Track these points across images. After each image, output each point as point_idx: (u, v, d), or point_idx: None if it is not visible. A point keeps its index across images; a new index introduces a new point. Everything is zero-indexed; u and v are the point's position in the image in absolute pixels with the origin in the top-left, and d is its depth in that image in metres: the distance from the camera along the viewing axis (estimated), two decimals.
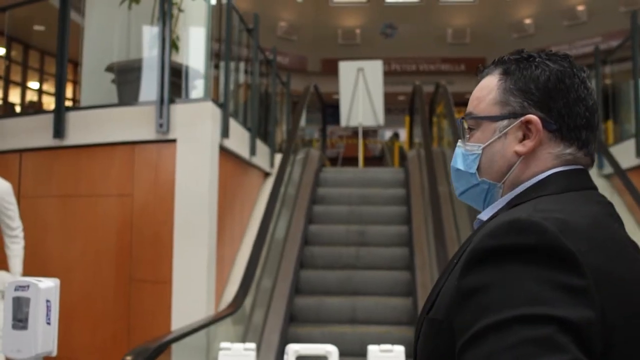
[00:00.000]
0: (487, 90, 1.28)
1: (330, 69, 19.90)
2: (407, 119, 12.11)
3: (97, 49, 6.91)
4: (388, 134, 20.68)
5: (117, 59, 6.69)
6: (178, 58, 6.41)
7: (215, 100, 5.78)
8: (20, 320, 2.25)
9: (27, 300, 2.31)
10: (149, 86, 5.97)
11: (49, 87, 17.29)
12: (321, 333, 5.67)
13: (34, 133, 6.11)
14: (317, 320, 5.94)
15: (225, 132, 5.86)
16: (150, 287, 5.45)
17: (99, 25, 6.95)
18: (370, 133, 20.29)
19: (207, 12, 6.11)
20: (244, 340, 5.45)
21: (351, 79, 10.98)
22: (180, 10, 6.90)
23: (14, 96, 15.79)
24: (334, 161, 12.32)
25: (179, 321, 5.29)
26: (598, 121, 1.25)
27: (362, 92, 10.82)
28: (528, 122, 1.21)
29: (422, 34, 20.45)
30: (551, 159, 1.21)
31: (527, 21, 20.31)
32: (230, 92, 6.40)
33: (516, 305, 0.95)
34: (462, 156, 1.31)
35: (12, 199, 4.84)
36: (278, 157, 8.72)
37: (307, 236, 7.07)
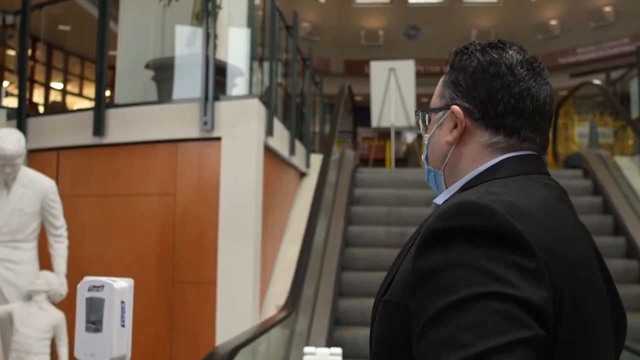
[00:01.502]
0: (438, 85, 1.34)
1: (353, 70, 19.78)
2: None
3: (132, 48, 6.80)
4: (410, 135, 20.47)
5: (153, 57, 6.58)
6: (217, 55, 6.30)
7: (261, 98, 5.64)
8: (93, 322, 2.12)
9: (102, 301, 2.17)
10: (190, 83, 5.86)
11: (72, 87, 17.26)
12: (368, 335, 5.50)
13: (73, 131, 6.00)
14: (363, 322, 5.78)
15: (269, 131, 5.73)
16: (193, 288, 5.32)
17: (134, 24, 6.83)
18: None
19: (251, 10, 5.98)
20: (290, 343, 5.30)
21: (382, 79, 10.83)
22: (218, 7, 6.80)
23: (38, 96, 15.76)
24: (363, 162, 12.17)
25: (224, 323, 5.16)
26: (537, 104, 1.23)
27: (393, 92, 10.67)
28: (453, 113, 1.25)
29: (446, 35, 20.22)
30: (480, 147, 1.24)
31: (553, 22, 20.09)
32: (274, 89, 6.26)
33: (473, 284, 0.96)
34: (423, 148, 1.39)
35: (57, 197, 4.73)
36: (312, 157, 8.60)
37: (347, 238, 6.92)
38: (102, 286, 2.18)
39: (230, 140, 5.33)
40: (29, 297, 4.59)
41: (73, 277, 4.80)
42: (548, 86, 1.27)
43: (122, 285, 2.30)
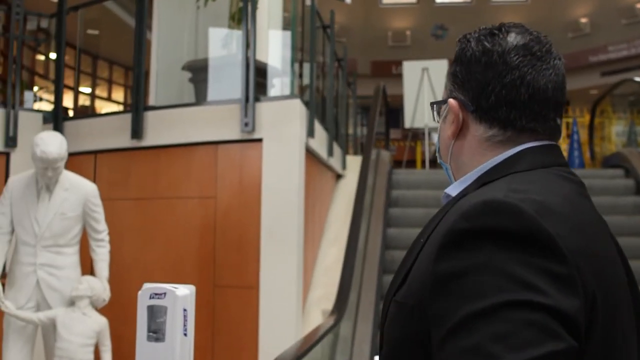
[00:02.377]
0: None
1: (380, 71, 19.65)
2: None
3: (167, 50, 6.73)
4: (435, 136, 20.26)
5: (188, 59, 6.51)
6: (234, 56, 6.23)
7: (302, 98, 5.54)
8: (155, 331, 2.02)
9: (164, 309, 2.07)
10: (228, 84, 5.78)
11: (100, 91, 17.29)
12: None
13: (110, 134, 5.94)
14: None
15: (310, 132, 5.62)
16: (235, 292, 5.22)
17: (169, 26, 6.76)
18: (420, 136, 19.93)
19: (293, 10, 5.89)
20: (335, 349, 5.19)
21: (415, 79, 10.69)
22: (254, 7, 6.71)
23: (67, 100, 15.77)
24: (395, 164, 12.04)
25: (267, 328, 5.06)
26: (532, 92, 1.15)
27: (427, 92, 10.52)
28: (449, 106, 1.22)
29: None
30: (478, 141, 1.20)
31: (583, 20, 19.82)
32: (314, 89, 6.16)
33: (501, 291, 0.90)
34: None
35: (99, 201, 4.67)
36: (348, 159, 8.49)
37: (386, 240, 6.79)
38: (164, 293, 2.07)
39: (271, 141, 5.23)
40: (71, 302, 4.52)
41: (111, 282, 4.73)
42: (552, 70, 1.18)
43: (184, 292, 2.19)
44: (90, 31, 14.45)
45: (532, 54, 1.17)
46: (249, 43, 5.41)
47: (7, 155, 6.35)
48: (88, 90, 17.13)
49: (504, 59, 1.16)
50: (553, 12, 20.06)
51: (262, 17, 6.33)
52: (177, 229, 5.56)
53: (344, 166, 8.15)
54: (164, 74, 6.58)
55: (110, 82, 17.24)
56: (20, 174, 4.75)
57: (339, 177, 8.01)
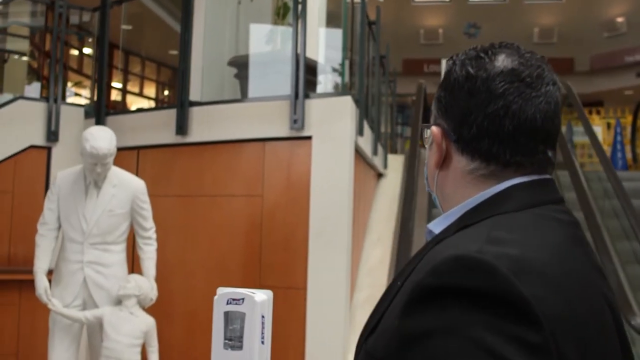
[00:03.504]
0: None
1: (412, 70, 19.44)
2: None
3: (209, 46, 6.62)
4: None
5: (231, 54, 6.41)
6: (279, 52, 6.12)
7: (352, 96, 5.40)
8: (231, 338, 1.90)
9: (242, 315, 1.94)
10: (276, 80, 5.66)
11: (132, 86, 17.26)
12: None
13: (153, 130, 5.85)
14: None
15: (360, 130, 5.49)
16: (282, 293, 5.10)
17: (211, 21, 6.65)
18: None
19: (344, 6, 5.76)
20: None
21: None
22: (299, 2, 6.61)
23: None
24: None
25: (314, 330, 4.94)
26: (518, 124, 1.05)
27: None
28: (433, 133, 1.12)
29: (507, 33, 19.75)
30: (461, 174, 1.10)
31: (619, 19, 19.44)
32: (364, 86, 6.02)
33: (465, 358, 0.83)
34: None
35: (147, 198, 4.57)
36: (389, 158, 8.35)
37: None
38: (242, 299, 1.94)
39: (321, 139, 5.09)
40: (118, 301, 4.43)
41: (156, 280, 4.63)
42: (543, 98, 1.06)
43: (262, 297, 2.06)
44: (123, 26, 14.44)
45: (520, 80, 1.06)
46: (299, 39, 5.27)
47: (49, 149, 6.30)
48: (119, 85, 17.14)
49: (487, 86, 1.06)
50: (588, 11, 19.71)
51: (310, 14, 6.22)
52: (221, 227, 5.46)
53: (385, 165, 8.00)
54: (204, 70, 6.47)
55: (142, 78, 17.20)
56: (67, 169, 4.66)
57: (379, 176, 7.86)
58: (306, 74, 5.53)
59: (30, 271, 6.02)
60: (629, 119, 13.10)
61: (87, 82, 11.91)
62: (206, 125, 5.58)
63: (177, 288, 5.49)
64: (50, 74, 6.46)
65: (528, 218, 1.02)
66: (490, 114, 1.05)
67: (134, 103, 17.36)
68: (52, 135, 6.24)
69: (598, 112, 15.45)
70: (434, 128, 1.13)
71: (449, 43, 20.07)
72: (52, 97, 6.29)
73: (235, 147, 5.47)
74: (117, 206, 4.44)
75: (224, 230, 5.44)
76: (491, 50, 1.12)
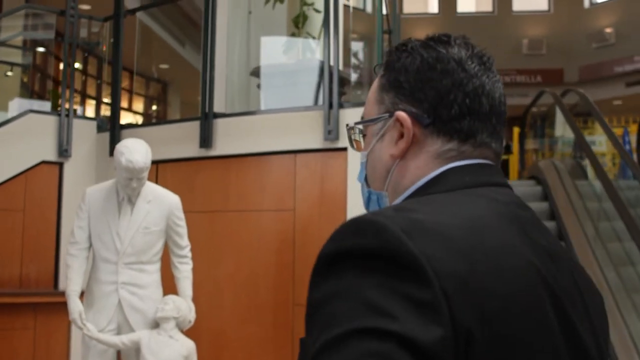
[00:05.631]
0: (371, 91, 1.16)
1: None
2: (515, 130, 11.45)
3: (230, 56, 6.41)
4: None
5: (248, 64, 6.22)
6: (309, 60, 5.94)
7: None
8: None
9: None
10: (305, 91, 5.47)
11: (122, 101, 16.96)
12: None
13: (174, 143, 5.61)
14: None
15: None
16: None
17: (232, 31, 6.44)
18: None
19: (378, 14, 5.61)
20: None
21: None
22: (317, 11, 6.45)
23: (90, 111, 15.45)
24: None
25: None
26: (493, 103, 1.07)
27: None
28: (399, 120, 1.07)
29: (496, 44, 19.67)
30: (431, 158, 1.06)
31: (608, 30, 19.51)
32: None
33: (354, 318, 0.81)
34: (360, 167, 1.21)
35: (182, 215, 4.33)
36: None
37: None
38: None
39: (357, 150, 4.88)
40: (155, 324, 4.17)
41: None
42: (500, 84, 1.09)
43: None
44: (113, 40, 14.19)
45: (483, 64, 1.08)
46: (332, 49, 5.09)
47: (61, 165, 6.03)
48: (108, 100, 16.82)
49: (462, 66, 1.06)
50: (576, 22, 19.78)
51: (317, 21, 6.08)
52: (249, 243, 5.22)
53: None
54: (223, 80, 6.26)
55: (130, 92, 16.91)
56: (97, 184, 4.42)
57: None
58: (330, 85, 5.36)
59: (45, 293, 5.79)
60: (633, 128, 13.05)
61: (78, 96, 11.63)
62: (231, 137, 5.36)
63: (203, 307, 5.22)
64: (62, 86, 6.21)
65: (452, 195, 1.01)
66: (469, 93, 1.05)
67: (122, 118, 17.05)
68: (64, 150, 5.97)
69: (585, 122, 15.40)
70: (402, 113, 1.06)
71: None
72: (64, 110, 6.03)
73: (263, 159, 5.26)
74: (152, 223, 4.19)
75: (252, 246, 5.21)
76: (448, 37, 1.10)
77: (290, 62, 5.92)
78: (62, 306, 5.68)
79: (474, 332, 0.84)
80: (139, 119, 17.24)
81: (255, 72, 5.86)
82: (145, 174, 4.09)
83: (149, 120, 17.55)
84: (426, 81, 1.06)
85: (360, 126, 1.18)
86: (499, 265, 0.91)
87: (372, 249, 0.86)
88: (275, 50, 6.41)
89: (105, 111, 15.79)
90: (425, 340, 0.80)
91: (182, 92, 17.12)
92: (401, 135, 1.08)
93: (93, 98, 15.29)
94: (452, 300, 0.84)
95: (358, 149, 1.21)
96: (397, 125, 1.08)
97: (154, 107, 17.90)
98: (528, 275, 0.94)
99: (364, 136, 1.17)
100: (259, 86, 5.79)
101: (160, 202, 4.24)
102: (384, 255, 0.85)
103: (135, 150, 3.99)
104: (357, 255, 0.86)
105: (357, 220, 0.91)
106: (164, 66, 16.12)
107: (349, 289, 0.84)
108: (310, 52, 6.15)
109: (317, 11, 6.45)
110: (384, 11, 5.84)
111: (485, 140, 1.07)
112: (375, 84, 1.16)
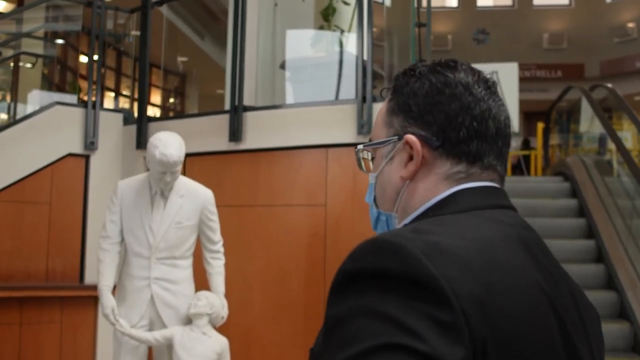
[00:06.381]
0: (379, 114, 1.20)
1: None
2: (539, 125, 11.33)
3: (260, 49, 6.33)
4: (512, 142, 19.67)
5: (276, 57, 6.13)
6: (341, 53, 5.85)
7: None
8: None
9: None
10: (335, 84, 5.38)
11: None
12: None
13: (201, 136, 5.54)
14: None
15: None
16: None
17: (260, 25, 6.36)
18: None
19: (412, 7, 5.50)
20: None
21: None
22: (345, 3, 6.37)
23: (108, 103, 15.43)
24: None
25: None
26: (499, 126, 1.11)
27: None
28: (408, 143, 1.10)
29: (516, 39, 19.56)
30: (439, 180, 1.09)
31: (630, 25, 19.29)
32: None
33: (378, 335, 0.82)
34: (368, 188, 1.24)
35: (215, 209, 4.26)
36: None
37: None
38: None
39: None
40: (187, 321, 4.10)
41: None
42: (505, 107, 1.13)
43: None
44: (134, 32, 14.14)
45: (489, 88, 1.12)
46: (366, 42, 5.00)
47: (87, 157, 5.97)
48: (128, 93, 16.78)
49: (469, 90, 1.09)
50: (597, 16, 19.56)
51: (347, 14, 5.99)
52: (279, 238, 5.15)
53: None
54: (252, 73, 6.18)
55: (149, 86, 16.89)
56: (129, 178, 4.34)
57: None
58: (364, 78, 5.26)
59: (72, 287, 5.74)
60: None
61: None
62: (261, 131, 5.28)
63: (232, 303, 5.16)
64: (88, 78, 6.15)
65: (462, 217, 1.03)
66: (476, 116, 1.08)
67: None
68: (90, 143, 5.91)
69: (610, 118, 15.23)
70: (411, 137, 1.09)
71: (458, 49, 19.85)
72: (90, 102, 5.97)
73: (294, 154, 5.17)
74: (185, 218, 4.13)
75: (282, 241, 5.14)
76: (455, 63, 1.14)
77: (319, 54, 5.83)
78: (88, 300, 5.68)
79: (490, 353, 0.87)
80: (157, 112, 17.22)
81: (284, 65, 5.77)
82: (179, 168, 4.02)
83: (166, 113, 17.51)
84: (435, 105, 1.09)
85: (369, 149, 1.21)
86: (511, 286, 0.94)
87: (392, 270, 0.88)
88: (302, 43, 6.33)
89: (124, 103, 15.82)
90: (451, 359, 0.82)
91: (201, 85, 17.07)
92: (410, 158, 1.11)
93: (111, 90, 15.32)
94: (472, 322, 0.86)
95: (367, 170, 1.23)
96: (407, 148, 1.11)
97: (171, 100, 17.87)
98: (536, 296, 0.97)
99: (372, 159, 1.21)
100: (288, 79, 5.71)
101: (194, 196, 4.17)
102: (404, 277, 0.87)
103: (169, 144, 3.91)
104: (377, 275, 0.88)
105: (377, 241, 0.92)
106: (182, 59, 16.08)
107: (371, 307, 0.86)
108: (339, 45, 6.06)
109: (346, 3, 6.36)
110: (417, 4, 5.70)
111: (492, 163, 1.10)
112: (384, 107, 1.18)
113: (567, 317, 1.02)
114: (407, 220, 1.12)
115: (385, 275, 0.88)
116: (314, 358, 1.04)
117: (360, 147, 1.23)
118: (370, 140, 1.21)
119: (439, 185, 1.09)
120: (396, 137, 1.13)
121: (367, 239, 0.95)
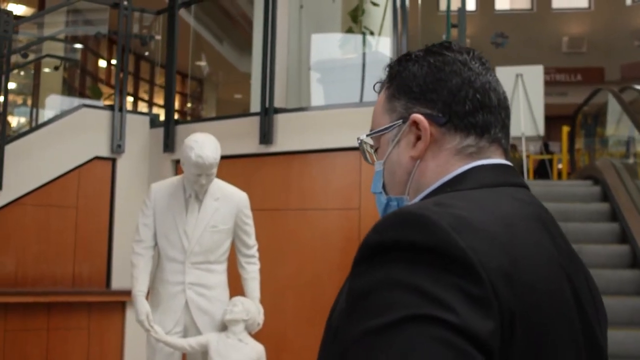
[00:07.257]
0: (378, 103, 1.21)
1: None
2: (564, 128, 11.18)
3: (288, 50, 6.24)
4: (533, 146, 19.42)
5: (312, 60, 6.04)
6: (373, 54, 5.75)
7: None
8: None
9: None
10: (362, 86, 5.29)
11: (157, 98, 16.92)
12: None
13: (231, 139, 5.42)
14: None
15: None
16: None
17: (288, 26, 6.27)
18: (516, 145, 19.36)
19: (447, 10, 5.41)
20: None
21: (509, 85, 10.11)
22: (374, 4, 6.28)
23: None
24: None
25: None
26: (500, 98, 1.12)
27: (522, 99, 9.94)
28: (415, 123, 1.11)
29: (536, 42, 19.39)
30: (450, 156, 1.09)
31: None
32: None
33: (405, 305, 0.81)
34: (374, 178, 1.24)
35: (250, 213, 4.15)
36: None
37: None
38: None
39: None
40: (222, 327, 4.00)
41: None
42: (501, 83, 1.16)
43: None
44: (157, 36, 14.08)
45: (483, 64, 1.14)
46: (401, 43, 4.91)
47: (114, 161, 5.89)
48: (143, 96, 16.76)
49: (468, 66, 1.11)
50: (617, 19, 19.37)
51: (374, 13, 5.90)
52: (312, 243, 5.04)
53: None
54: (282, 75, 6.09)
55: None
56: (162, 181, 4.25)
57: None
58: None
59: (99, 292, 5.65)
60: None
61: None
62: (292, 133, 5.18)
63: (263, 307, 5.07)
64: (115, 81, 6.08)
65: (482, 192, 1.03)
66: (478, 89, 1.09)
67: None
68: (117, 146, 5.83)
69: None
70: (417, 116, 1.10)
71: None
72: (117, 105, 5.89)
73: (326, 156, 5.07)
74: (220, 221, 4.03)
75: (315, 246, 5.03)
76: (449, 43, 1.15)
77: (350, 56, 5.73)
78: (115, 305, 5.59)
79: (516, 325, 0.87)
80: (175, 116, 17.20)
81: (314, 67, 5.68)
82: (215, 170, 3.92)
83: (184, 117, 17.48)
84: (437, 82, 1.11)
85: (370, 140, 1.22)
86: (534, 261, 0.94)
87: (419, 242, 0.87)
88: (330, 45, 6.24)
89: (143, 107, 15.73)
90: (483, 332, 0.81)
91: (219, 89, 17.02)
92: (418, 138, 1.11)
93: (130, 94, 15.27)
94: (500, 295, 0.85)
95: (373, 160, 1.23)
96: (413, 129, 1.11)
97: (189, 105, 17.84)
98: (556, 272, 0.98)
99: (376, 150, 1.22)
100: (318, 80, 5.61)
101: (229, 199, 4.08)
102: (432, 249, 0.86)
103: (205, 146, 3.82)
104: (404, 247, 0.87)
105: (402, 213, 0.92)
106: (200, 63, 16.03)
107: (399, 279, 0.85)
108: (368, 46, 5.97)
109: (375, 4, 6.27)
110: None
111: (498, 136, 1.11)
112: (382, 96, 1.19)
113: (582, 293, 1.03)
114: (422, 195, 1.11)
115: (412, 247, 0.87)
116: (332, 332, 1.02)
117: (362, 136, 1.23)
118: (376, 129, 1.21)
119: (450, 160, 1.10)
120: (401, 120, 1.14)
121: (390, 213, 0.95)
